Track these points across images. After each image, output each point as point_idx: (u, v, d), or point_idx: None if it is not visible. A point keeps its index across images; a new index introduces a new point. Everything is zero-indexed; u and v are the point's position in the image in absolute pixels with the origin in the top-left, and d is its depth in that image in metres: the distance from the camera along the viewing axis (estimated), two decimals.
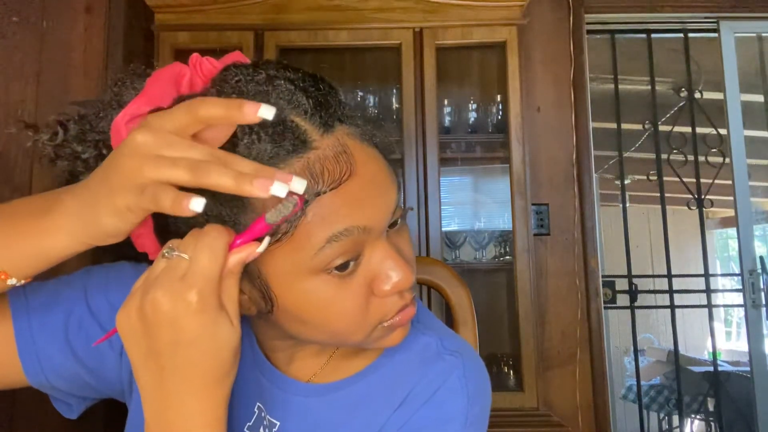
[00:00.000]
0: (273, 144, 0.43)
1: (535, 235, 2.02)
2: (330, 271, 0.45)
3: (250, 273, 0.47)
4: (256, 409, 0.57)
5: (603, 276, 2.14)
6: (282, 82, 0.45)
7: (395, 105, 1.98)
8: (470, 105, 2.03)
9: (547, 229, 2.06)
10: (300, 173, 0.43)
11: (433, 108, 1.86)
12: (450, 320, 0.90)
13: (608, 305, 2.36)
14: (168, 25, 1.85)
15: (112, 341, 0.57)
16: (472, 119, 2.03)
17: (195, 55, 0.49)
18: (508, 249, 2.00)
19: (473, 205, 2.18)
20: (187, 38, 1.84)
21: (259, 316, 0.50)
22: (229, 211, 0.44)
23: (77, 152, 0.50)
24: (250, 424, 0.56)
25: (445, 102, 2.02)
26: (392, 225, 0.49)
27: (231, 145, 0.43)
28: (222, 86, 0.46)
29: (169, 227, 0.46)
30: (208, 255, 0.40)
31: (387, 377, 0.57)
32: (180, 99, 0.46)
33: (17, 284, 0.46)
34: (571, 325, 2.02)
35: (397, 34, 1.87)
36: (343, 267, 0.46)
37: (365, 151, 0.47)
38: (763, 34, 2.43)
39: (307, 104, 0.45)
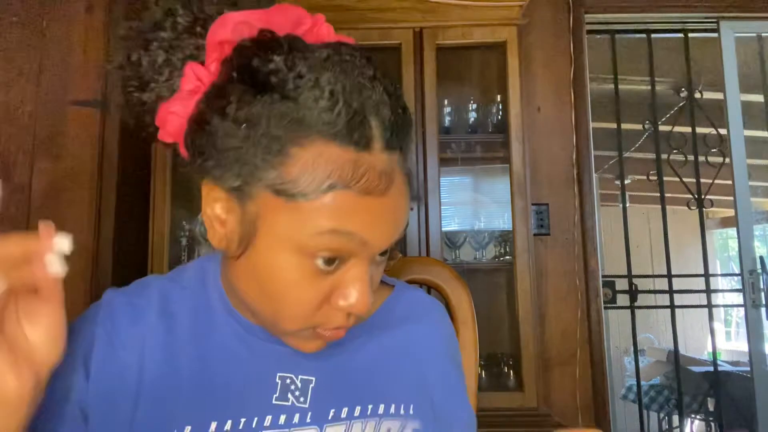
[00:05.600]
0: (346, 125, 0.45)
1: (535, 235, 2.02)
2: (316, 258, 0.47)
3: (246, 214, 0.48)
4: (278, 380, 0.56)
5: (603, 276, 2.14)
6: (381, 88, 0.48)
7: None
8: (470, 105, 2.03)
9: (547, 229, 2.06)
10: (345, 163, 0.45)
11: (433, 108, 1.86)
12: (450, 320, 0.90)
13: (608, 305, 2.35)
14: None
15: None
16: (472, 119, 2.03)
17: (321, 15, 0.54)
18: (508, 249, 2.00)
19: (473, 205, 2.18)
20: None
21: (225, 256, 0.53)
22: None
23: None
24: (277, 395, 0.56)
25: (445, 102, 2.02)
26: (384, 254, 0.52)
27: (315, 86, 0.45)
28: (332, 57, 0.47)
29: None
30: None
31: (394, 315, 0.64)
32: (290, 36, 0.49)
33: None
34: (571, 325, 2.02)
35: (397, 34, 1.87)
36: (329, 262, 0.48)
37: (402, 185, 0.50)
38: (763, 34, 2.43)
39: (390, 119, 0.48)
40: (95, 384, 0.52)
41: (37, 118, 1.72)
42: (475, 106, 2.03)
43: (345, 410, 0.57)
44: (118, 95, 0.54)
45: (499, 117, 1.99)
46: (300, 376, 0.57)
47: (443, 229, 1.87)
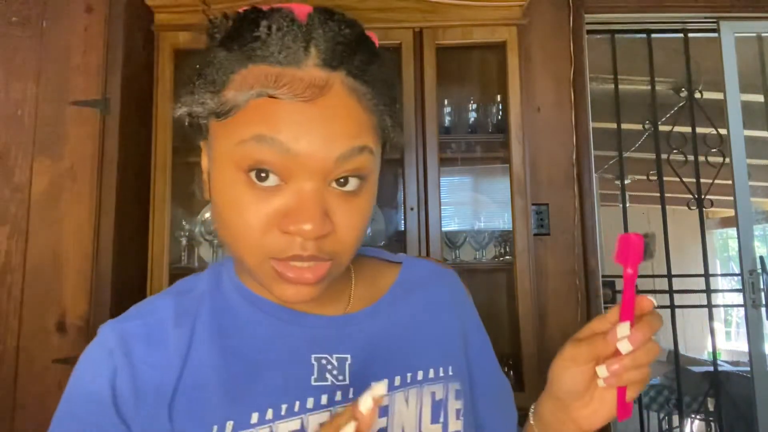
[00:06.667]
0: (277, 50, 0.49)
1: (535, 235, 2.02)
2: (247, 171, 0.49)
3: (208, 149, 0.54)
4: (314, 361, 0.56)
5: (603, 276, 2.13)
6: (319, 13, 0.52)
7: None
8: (470, 105, 2.03)
9: (547, 229, 2.06)
10: (270, 74, 0.48)
11: (433, 108, 1.86)
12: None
13: (608, 305, 2.35)
14: (168, 25, 1.85)
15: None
16: (472, 119, 2.03)
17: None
18: (508, 249, 2.00)
19: (473, 205, 2.18)
20: (187, 38, 1.84)
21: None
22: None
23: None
24: (315, 376, 0.55)
25: (445, 102, 2.02)
26: (344, 184, 0.50)
27: (254, 23, 0.50)
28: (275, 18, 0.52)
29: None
30: None
31: (410, 285, 0.65)
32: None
33: None
34: (571, 325, 2.02)
35: (397, 34, 1.87)
36: (260, 176, 0.49)
37: (347, 102, 0.50)
38: (763, 34, 2.43)
39: (327, 39, 0.50)
40: (137, 418, 0.52)
41: (37, 118, 1.73)
42: (475, 106, 2.03)
43: (385, 382, 0.57)
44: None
45: (499, 117, 1.99)
46: (335, 355, 0.57)
47: (443, 229, 1.87)
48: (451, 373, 0.61)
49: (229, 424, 0.51)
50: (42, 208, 1.69)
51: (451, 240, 2.00)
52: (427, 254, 1.81)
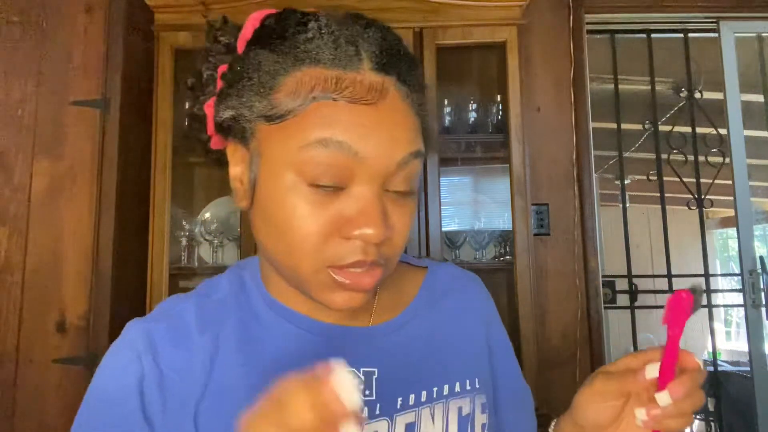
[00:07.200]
0: (332, 52, 0.48)
1: (535, 235, 2.02)
2: (310, 183, 0.47)
3: (252, 153, 0.51)
4: None
5: (603, 276, 2.13)
6: (370, 22, 0.52)
7: None
8: (470, 105, 2.03)
9: (547, 229, 2.06)
10: (329, 78, 0.47)
11: (433, 108, 1.85)
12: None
13: (608, 305, 2.35)
14: (168, 25, 1.85)
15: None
16: (472, 119, 2.03)
17: None
18: (508, 249, 2.00)
19: (473, 205, 2.18)
20: (187, 38, 1.84)
21: (247, 211, 0.55)
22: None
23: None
24: None
25: (445, 102, 2.02)
26: (397, 192, 0.50)
27: (301, 25, 0.50)
28: (320, 12, 0.52)
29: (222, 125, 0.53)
30: None
31: (436, 292, 0.64)
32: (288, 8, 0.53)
33: None
34: (571, 325, 2.02)
35: None
36: (324, 185, 0.48)
37: (402, 107, 0.50)
38: (763, 34, 2.43)
39: (381, 45, 0.50)
40: (163, 423, 0.51)
41: (37, 118, 1.73)
42: (475, 106, 2.03)
43: (412, 397, 0.56)
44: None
45: (499, 117, 1.99)
46: (362, 369, 0.56)
47: (443, 229, 1.87)
48: (477, 386, 0.60)
49: None
50: (42, 208, 1.69)
51: (451, 240, 2.00)
52: (427, 254, 1.81)
